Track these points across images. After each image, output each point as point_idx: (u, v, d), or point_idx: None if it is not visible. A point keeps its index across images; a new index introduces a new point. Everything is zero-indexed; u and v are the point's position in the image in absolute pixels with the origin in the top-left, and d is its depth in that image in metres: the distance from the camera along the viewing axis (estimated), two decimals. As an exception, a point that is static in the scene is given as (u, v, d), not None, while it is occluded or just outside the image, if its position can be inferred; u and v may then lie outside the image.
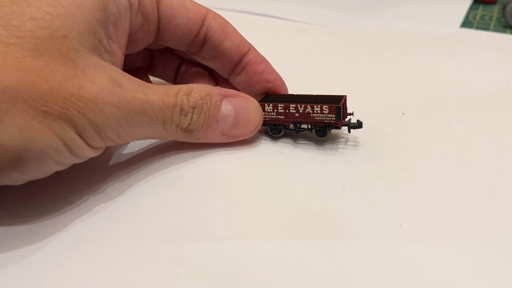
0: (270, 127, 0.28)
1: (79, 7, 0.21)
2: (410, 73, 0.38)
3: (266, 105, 0.28)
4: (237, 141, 0.27)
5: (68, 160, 0.21)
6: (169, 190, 0.24)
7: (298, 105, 0.27)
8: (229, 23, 0.29)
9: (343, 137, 0.29)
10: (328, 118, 0.27)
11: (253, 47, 0.30)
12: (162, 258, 0.20)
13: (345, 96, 0.28)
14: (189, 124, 0.25)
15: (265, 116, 0.28)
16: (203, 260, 0.20)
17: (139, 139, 0.24)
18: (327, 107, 0.27)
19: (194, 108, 0.25)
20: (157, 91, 0.24)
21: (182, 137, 0.26)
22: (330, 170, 0.26)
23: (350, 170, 0.26)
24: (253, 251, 0.21)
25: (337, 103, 0.28)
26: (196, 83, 0.26)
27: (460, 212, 0.23)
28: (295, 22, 0.49)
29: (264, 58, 0.30)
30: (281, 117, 0.28)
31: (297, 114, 0.27)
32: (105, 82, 0.21)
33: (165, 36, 0.28)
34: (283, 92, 0.30)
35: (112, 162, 0.26)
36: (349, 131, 0.28)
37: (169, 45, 0.29)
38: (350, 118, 0.28)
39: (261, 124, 0.28)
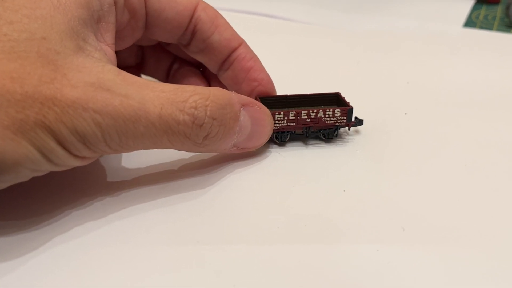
0: (276, 134, 0.27)
1: (58, 7, 0.20)
2: (413, 72, 0.37)
3: (276, 113, 0.26)
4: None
5: (47, 169, 0.19)
6: (161, 192, 0.23)
7: (310, 111, 0.26)
8: (221, 16, 0.27)
9: (343, 138, 0.28)
10: (339, 121, 0.27)
11: (245, 43, 0.28)
12: (158, 262, 0.20)
13: (339, 93, 0.28)
14: (205, 138, 0.22)
15: (275, 125, 0.26)
16: (199, 264, 0.20)
17: (139, 150, 0.21)
18: (339, 110, 0.27)
19: (213, 119, 0.22)
20: (158, 96, 0.21)
21: (191, 150, 0.23)
22: (330, 171, 0.25)
23: (351, 171, 0.25)
24: (250, 255, 0.20)
25: (333, 101, 0.28)
26: (214, 87, 0.23)
27: (465, 215, 0.22)
28: (295, 22, 0.48)
29: (255, 55, 0.28)
30: (291, 124, 0.27)
31: (308, 120, 0.27)
32: (87, 86, 0.19)
33: (154, 30, 0.26)
34: (271, 93, 0.28)
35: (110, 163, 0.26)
36: (349, 129, 0.28)
37: (159, 39, 0.28)
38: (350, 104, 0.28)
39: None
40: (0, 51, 0.18)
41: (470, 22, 0.49)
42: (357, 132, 0.29)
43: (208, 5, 0.27)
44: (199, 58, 0.28)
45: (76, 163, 0.20)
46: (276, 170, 0.25)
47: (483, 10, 0.52)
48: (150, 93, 0.21)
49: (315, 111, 0.26)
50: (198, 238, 0.21)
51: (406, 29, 0.46)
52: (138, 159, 0.26)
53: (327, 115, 0.27)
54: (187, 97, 0.21)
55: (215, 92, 0.22)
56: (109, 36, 0.23)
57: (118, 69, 0.21)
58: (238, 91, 0.27)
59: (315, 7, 0.52)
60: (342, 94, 0.28)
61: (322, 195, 0.24)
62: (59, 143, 0.19)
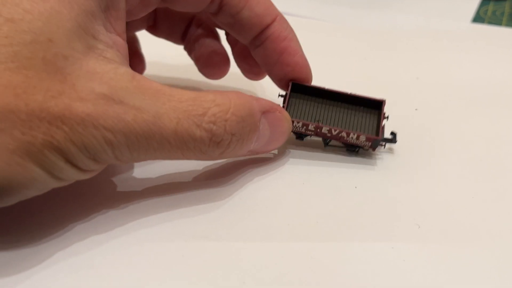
0: (295, 133, 0.25)
1: (63, 0, 0.17)
2: (422, 68, 0.36)
3: (295, 121, 0.24)
4: None
5: (53, 186, 0.18)
6: (168, 188, 0.23)
7: (333, 129, 0.24)
8: None
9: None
10: (363, 144, 0.24)
11: (280, 17, 0.24)
12: (164, 258, 0.19)
13: (384, 101, 0.25)
14: (221, 153, 0.21)
15: (293, 130, 0.25)
16: (207, 261, 0.19)
17: (145, 160, 0.20)
18: (364, 137, 0.24)
19: (232, 135, 0.20)
20: (174, 108, 0.19)
21: (204, 159, 0.22)
22: (340, 168, 0.25)
23: (362, 167, 0.25)
24: (260, 253, 0.20)
25: (373, 108, 0.25)
26: (234, 93, 0.21)
27: (481, 211, 0.22)
28: (302, 18, 0.47)
29: (291, 33, 0.25)
30: (310, 132, 0.25)
31: (329, 135, 0.25)
32: (99, 99, 0.17)
33: (173, 3, 0.23)
34: (306, 81, 0.25)
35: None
36: (384, 146, 0.25)
37: (178, 10, 0.24)
38: (384, 124, 0.25)
39: None
40: (2, 59, 0.16)
41: (478, 18, 0.48)
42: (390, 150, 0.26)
43: None
44: (228, 30, 0.26)
45: (83, 177, 0.19)
46: (286, 166, 0.25)
47: (491, 6, 0.52)
48: (166, 104, 0.19)
49: (337, 130, 0.24)
50: (207, 234, 0.20)
51: (414, 25, 0.46)
52: (147, 166, 0.24)
53: (350, 137, 0.24)
54: (206, 109, 0.19)
55: (236, 101, 0.20)
56: (120, 24, 0.20)
57: (131, 72, 0.19)
58: (270, 74, 0.26)
59: (321, 3, 0.51)
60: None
61: (333, 191, 0.23)
62: (68, 162, 0.17)
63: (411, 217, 0.21)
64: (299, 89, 0.25)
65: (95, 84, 0.18)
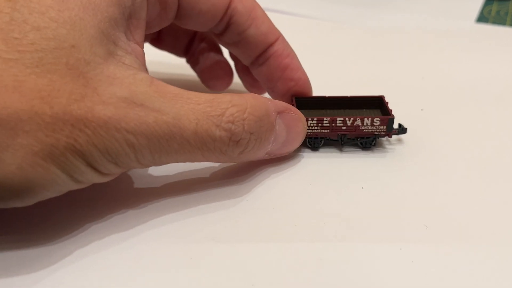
0: (309, 140, 0.25)
1: (87, 7, 0.18)
2: (427, 68, 0.36)
3: (309, 119, 0.25)
4: None
5: (72, 188, 0.18)
6: (178, 190, 0.23)
7: (347, 118, 0.25)
8: (258, 6, 0.25)
9: (383, 146, 0.27)
10: (378, 130, 0.25)
11: (282, 37, 0.26)
12: (174, 259, 0.19)
13: (383, 96, 0.26)
14: (240, 153, 0.21)
15: (308, 131, 0.25)
16: (215, 263, 0.19)
17: (166, 163, 0.20)
18: (378, 119, 0.24)
19: (251, 134, 0.21)
20: (193, 109, 0.19)
21: (224, 162, 0.22)
22: (347, 168, 0.25)
23: (369, 168, 0.25)
24: (268, 254, 0.19)
25: (375, 105, 0.26)
26: (250, 95, 0.22)
27: (489, 212, 0.22)
28: (305, 18, 0.47)
29: (292, 51, 0.26)
30: (325, 131, 0.25)
31: (344, 127, 0.25)
32: (120, 102, 0.18)
33: (185, 21, 0.24)
34: (307, 94, 0.27)
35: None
36: (390, 137, 0.26)
37: (189, 28, 0.25)
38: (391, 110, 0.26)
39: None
40: (28, 64, 0.17)
41: (482, 18, 0.48)
42: (399, 140, 0.27)
43: None
44: (232, 49, 0.27)
45: (102, 180, 0.19)
46: (292, 167, 0.25)
47: (495, 6, 0.52)
48: (184, 106, 0.19)
49: (351, 118, 0.24)
50: (214, 236, 0.20)
51: (418, 25, 0.45)
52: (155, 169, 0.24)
53: (365, 124, 0.25)
54: (224, 109, 0.20)
55: (252, 102, 0.21)
56: (139, 33, 0.21)
57: (150, 77, 0.19)
58: (273, 89, 0.27)
59: (325, 2, 0.51)
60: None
61: (340, 192, 0.23)
62: (89, 165, 0.18)
63: (418, 217, 0.21)
64: (302, 103, 0.26)
65: (116, 88, 0.18)
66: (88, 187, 0.19)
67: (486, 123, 0.29)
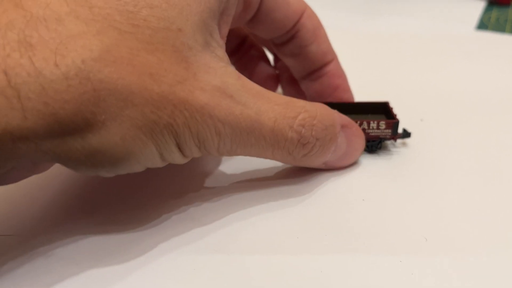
0: None
1: None
2: (426, 76, 0.37)
3: None
4: None
5: (155, 166, 0.19)
6: (175, 199, 0.23)
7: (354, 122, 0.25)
8: (322, 27, 0.27)
9: (389, 150, 0.27)
10: (383, 134, 0.26)
11: (337, 59, 0.27)
12: (175, 270, 0.19)
13: (388, 102, 0.27)
14: (304, 155, 0.22)
15: None
16: (216, 274, 0.19)
17: (238, 155, 0.21)
18: (384, 123, 0.26)
19: (317, 139, 0.22)
20: (272, 108, 0.20)
21: (285, 162, 0.23)
22: (347, 180, 0.25)
23: (368, 180, 0.25)
24: (268, 266, 0.20)
25: (380, 111, 0.27)
26: (319, 104, 0.23)
27: (489, 224, 0.22)
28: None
29: (344, 74, 0.28)
30: None
31: None
32: (214, 90, 0.19)
33: (256, 26, 0.25)
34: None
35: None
36: (395, 141, 0.27)
37: (255, 33, 0.26)
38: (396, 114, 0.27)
39: None
40: (140, 39, 0.17)
41: (482, 25, 0.48)
42: (404, 144, 0.28)
43: (314, 13, 0.26)
44: (287, 61, 0.28)
45: (181, 161, 0.20)
46: (291, 179, 0.25)
47: (495, 13, 0.52)
48: (265, 104, 0.20)
49: (357, 122, 0.25)
50: (218, 248, 0.21)
51: (417, 32, 0.46)
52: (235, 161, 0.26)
53: (370, 127, 0.26)
54: (297, 113, 0.21)
55: (321, 111, 0.22)
56: (225, 29, 0.21)
57: (237, 72, 0.20)
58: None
59: (324, 9, 0.51)
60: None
61: (340, 204, 0.23)
62: (178, 146, 0.19)
63: (418, 229, 0.21)
64: None
65: (211, 76, 0.19)
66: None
67: (486, 133, 0.29)
